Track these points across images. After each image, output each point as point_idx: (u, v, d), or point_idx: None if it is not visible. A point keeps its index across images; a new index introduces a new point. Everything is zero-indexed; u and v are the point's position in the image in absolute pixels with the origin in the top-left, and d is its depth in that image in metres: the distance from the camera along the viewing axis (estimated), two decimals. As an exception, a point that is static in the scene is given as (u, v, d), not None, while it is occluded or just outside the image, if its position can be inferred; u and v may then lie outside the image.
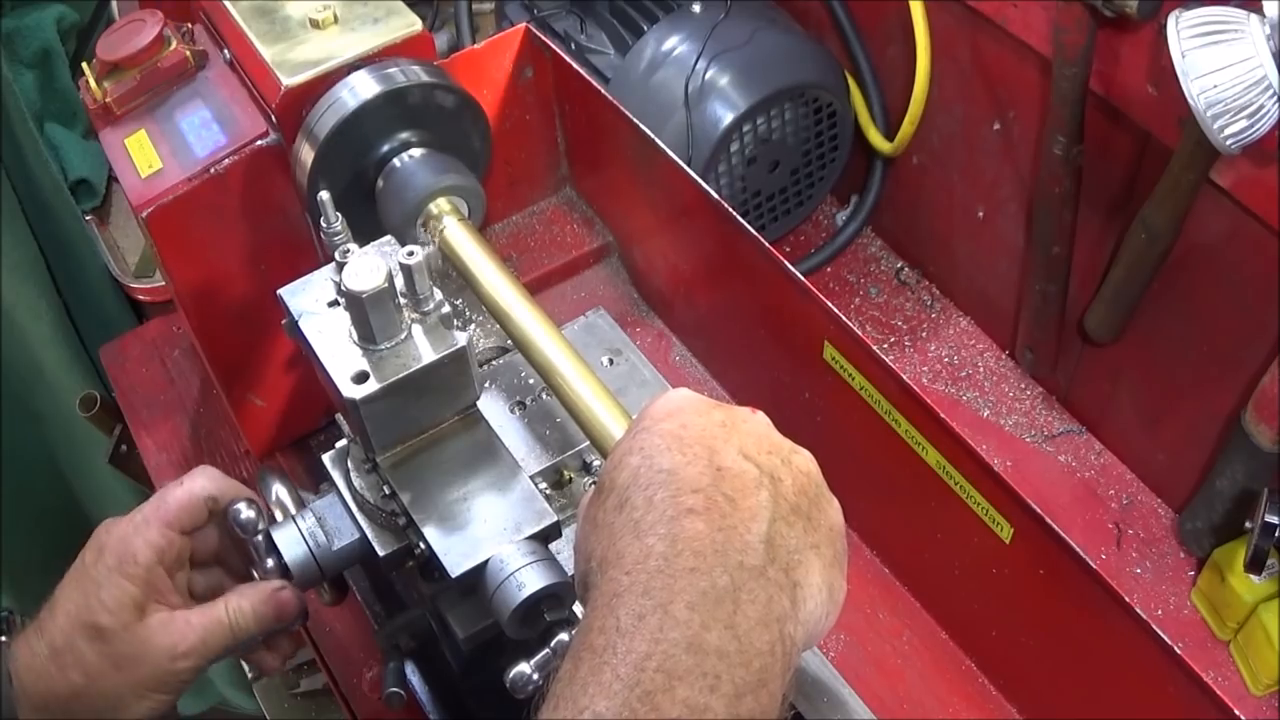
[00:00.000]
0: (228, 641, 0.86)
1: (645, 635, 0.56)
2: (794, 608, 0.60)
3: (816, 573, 0.62)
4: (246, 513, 0.90)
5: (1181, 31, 0.92)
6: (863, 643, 1.09)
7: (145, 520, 0.88)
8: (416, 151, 1.06)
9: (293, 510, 0.95)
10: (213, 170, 1.06)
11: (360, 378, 0.83)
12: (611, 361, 1.15)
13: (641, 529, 0.60)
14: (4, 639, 0.84)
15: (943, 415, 0.94)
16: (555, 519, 0.85)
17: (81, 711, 0.82)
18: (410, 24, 1.07)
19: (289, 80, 1.03)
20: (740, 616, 0.57)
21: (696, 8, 1.42)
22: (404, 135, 1.06)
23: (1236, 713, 0.79)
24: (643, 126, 1.17)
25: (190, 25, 1.16)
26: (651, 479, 0.62)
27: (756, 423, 0.67)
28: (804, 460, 0.67)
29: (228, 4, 1.10)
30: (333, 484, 0.93)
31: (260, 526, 0.90)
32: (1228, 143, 0.92)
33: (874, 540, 1.15)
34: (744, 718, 0.55)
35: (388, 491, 0.88)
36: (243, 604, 0.87)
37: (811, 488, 0.66)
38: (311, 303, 0.89)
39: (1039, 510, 0.89)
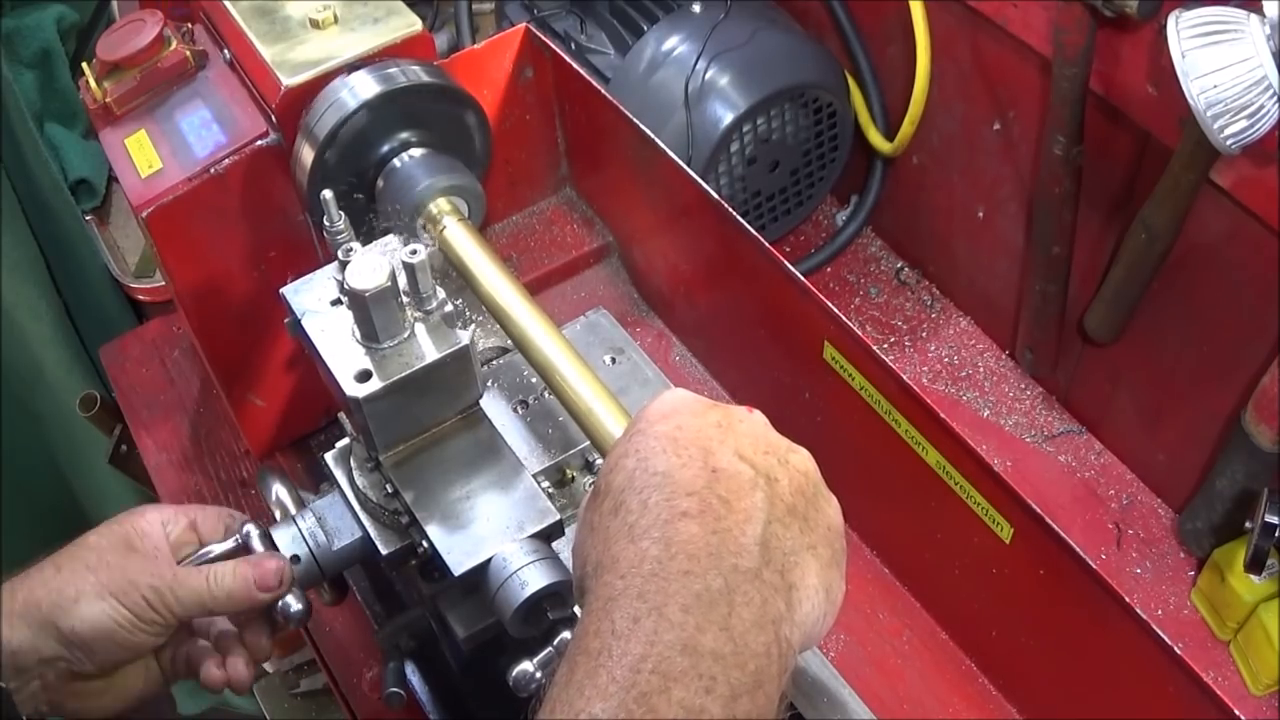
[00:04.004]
0: (201, 592, 0.85)
1: (640, 638, 0.56)
2: (789, 610, 0.60)
3: (813, 574, 0.62)
4: (255, 535, 0.91)
5: (1181, 31, 0.92)
6: (863, 643, 1.10)
7: (162, 505, 0.90)
8: (416, 151, 1.06)
9: (293, 510, 0.95)
10: (213, 170, 1.06)
11: (363, 376, 0.83)
12: (614, 360, 1.15)
13: (636, 533, 0.60)
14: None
15: (943, 415, 0.94)
16: (558, 517, 0.85)
17: (44, 597, 0.83)
18: (410, 24, 1.07)
19: (289, 80, 1.03)
20: (735, 619, 0.57)
21: (696, 8, 1.42)
22: (404, 135, 1.06)
23: (1236, 713, 0.79)
24: (643, 126, 1.17)
25: (190, 25, 1.16)
26: (646, 482, 0.62)
27: (753, 423, 0.67)
28: (801, 459, 0.67)
29: (228, 4, 1.10)
30: (333, 483, 0.93)
31: (258, 531, 0.90)
32: (1228, 143, 0.92)
33: (874, 540, 1.15)
34: (740, 718, 0.55)
35: (390, 490, 0.88)
36: (225, 565, 0.87)
37: (809, 487, 0.65)
38: (314, 301, 0.89)
39: (1039, 510, 0.89)
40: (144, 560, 0.85)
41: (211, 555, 0.89)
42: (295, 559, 0.90)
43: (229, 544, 0.89)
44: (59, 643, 0.82)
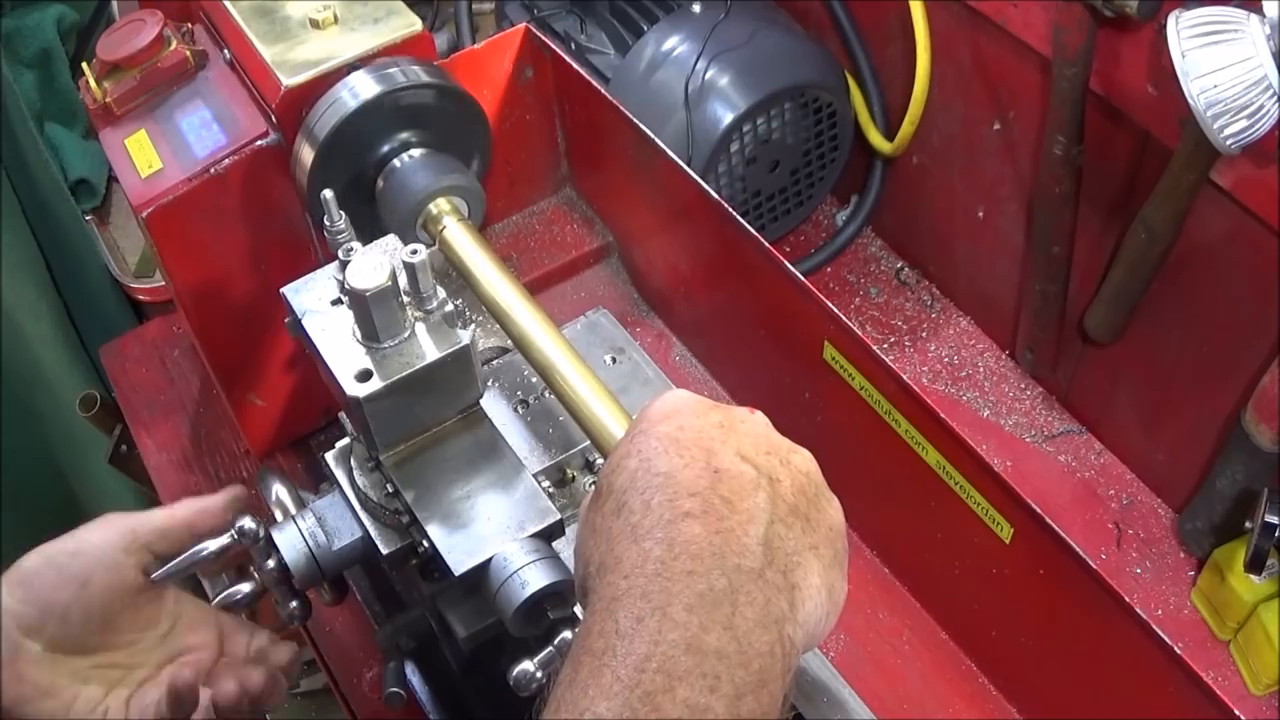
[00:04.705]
0: (161, 514, 0.86)
1: (644, 637, 0.56)
2: (792, 609, 0.60)
3: (815, 574, 0.62)
4: (250, 524, 0.89)
5: (1181, 31, 0.92)
6: (863, 643, 1.10)
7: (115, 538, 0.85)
8: (416, 151, 1.06)
9: (293, 510, 0.95)
10: (213, 170, 1.06)
11: (363, 376, 0.83)
12: (614, 360, 1.15)
13: (639, 533, 0.60)
14: None
15: (943, 415, 0.94)
16: (558, 517, 0.85)
17: None
18: (410, 24, 1.07)
19: (289, 80, 1.03)
20: (739, 618, 0.57)
21: (696, 8, 1.42)
22: (404, 135, 1.06)
23: (1236, 713, 0.79)
24: (643, 126, 1.17)
25: (190, 25, 1.16)
26: (649, 482, 0.62)
27: (755, 423, 0.67)
28: (803, 460, 0.67)
29: (228, 4, 1.10)
30: (333, 483, 0.93)
31: (261, 534, 0.90)
32: (1228, 143, 0.92)
33: (874, 540, 1.15)
34: (744, 718, 0.55)
35: (391, 490, 0.88)
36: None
37: (810, 488, 0.65)
38: (314, 301, 0.89)
39: (1039, 510, 0.89)
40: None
41: (207, 551, 0.88)
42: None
43: (224, 539, 0.88)
44: (10, 583, 0.80)
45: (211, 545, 0.88)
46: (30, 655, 0.79)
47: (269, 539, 0.90)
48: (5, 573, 0.80)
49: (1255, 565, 1.07)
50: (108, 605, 0.83)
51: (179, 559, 0.87)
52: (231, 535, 0.89)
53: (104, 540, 0.83)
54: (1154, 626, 0.83)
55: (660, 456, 0.63)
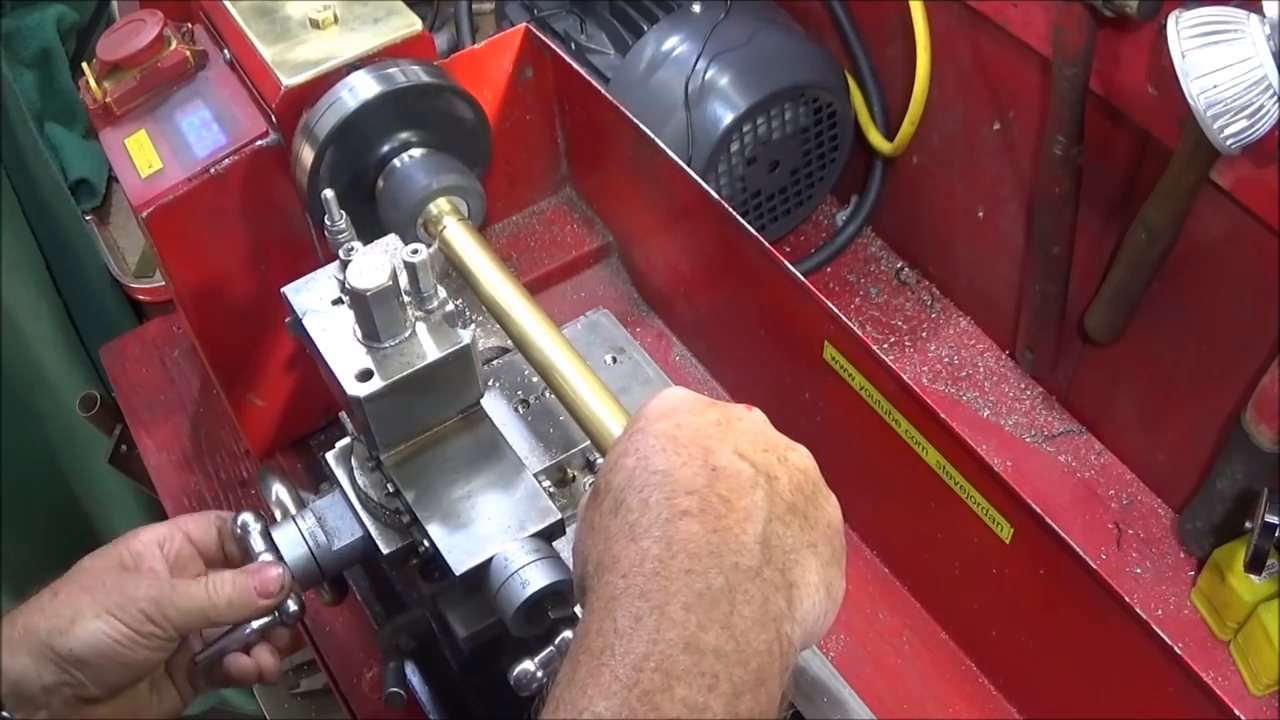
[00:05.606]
0: (201, 600, 0.84)
1: (643, 636, 0.56)
2: (790, 608, 0.60)
3: (813, 572, 0.62)
4: (255, 524, 0.90)
5: (1181, 31, 0.92)
6: (863, 643, 1.10)
7: (154, 526, 0.90)
8: (416, 151, 1.06)
9: (293, 510, 0.95)
10: (213, 170, 1.06)
11: (364, 375, 0.83)
12: (615, 360, 1.15)
13: (637, 532, 0.60)
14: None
15: (943, 415, 0.94)
16: (559, 517, 0.85)
17: (40, 622, 0.81)
18: (410, 24, 1.07)
19: (289, 80, 1.03)
20: (736, 617, 0.57)
21: (696, 8, 1.42)
22: (404, 135, 1.06)
23: (1236, 713, 0.79)
24: (643, 126, 1.18)
25: (190, 25, 1.16)
26: (646, 481, 0.62)
27: (752, 420, 0.67)
28: (800, 457, 0.67)
29: (228, 4, 1.10)
30: (334, 483, 0.93)
31: (260, 527, 0.90)
32: (1228, 143, 0.92)
33: (874, 540, 1.15)
34: (743, 716, 0.55)
35: (391, 489, 0.88)
36: (223, 575, 0.86)
37: (808, 485, 0.65)
38: (315, 300, 0.89)
39: (1039, 510, 0.89)
40: (139, 576, 0.84)
41: (249, 631, 0.88)
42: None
43: (266, 620, 0.88)
44: (58, 667, 0.80)
45: (255, 624, 0.88)
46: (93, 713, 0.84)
47: (269, 539, 0.90)
48: (54, 642, 0.81)
49: (1255, 565, 1.07)
50: (157, 671, 0.87)
51: (223, 641, 0.89)
52: (273, 615, 0.88)
53: (151, 628, 0.83)
54: (1154, 626, 0.83)
55: (658, 454, 0.63)
